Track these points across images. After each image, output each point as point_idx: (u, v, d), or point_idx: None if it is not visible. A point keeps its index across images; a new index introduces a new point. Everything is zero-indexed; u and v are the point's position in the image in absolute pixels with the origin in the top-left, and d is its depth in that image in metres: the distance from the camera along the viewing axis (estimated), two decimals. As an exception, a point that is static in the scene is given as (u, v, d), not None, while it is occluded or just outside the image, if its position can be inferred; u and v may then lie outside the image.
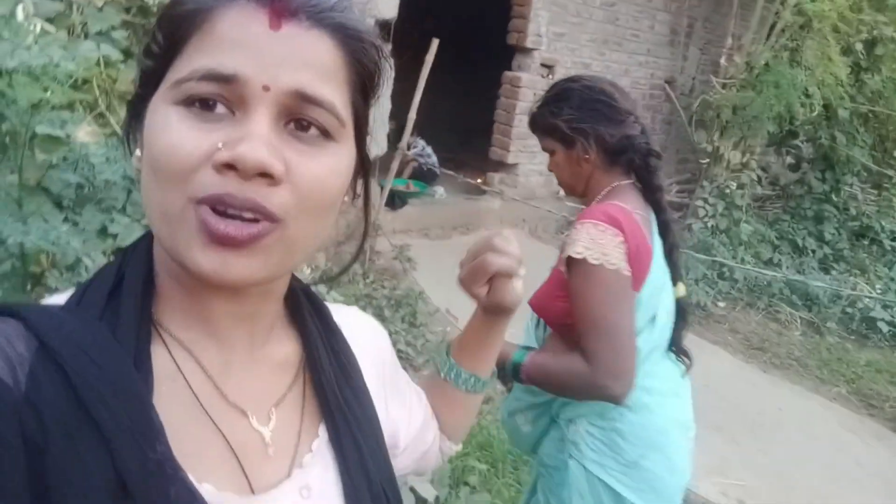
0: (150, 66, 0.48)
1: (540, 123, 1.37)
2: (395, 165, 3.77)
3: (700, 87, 6.18)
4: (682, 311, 1.30)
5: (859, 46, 5.45)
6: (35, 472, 0.40)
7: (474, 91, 6.32)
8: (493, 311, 0.74)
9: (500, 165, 5.30)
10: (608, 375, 1.14)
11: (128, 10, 1.66)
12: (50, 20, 1.59)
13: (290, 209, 0.46)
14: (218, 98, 0.45)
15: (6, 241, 1.28)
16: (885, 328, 4.89)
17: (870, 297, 4.98)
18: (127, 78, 1.59)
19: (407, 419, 0.72)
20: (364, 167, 0.56)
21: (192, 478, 0.46)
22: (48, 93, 1.32)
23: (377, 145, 4.18)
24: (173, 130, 0.44)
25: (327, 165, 0.48)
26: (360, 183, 0.57)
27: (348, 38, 0.49)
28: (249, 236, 0.44)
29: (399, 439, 0.71)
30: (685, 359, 1.31)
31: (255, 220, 0.45)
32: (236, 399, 0.52)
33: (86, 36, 1.59)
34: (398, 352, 3.39)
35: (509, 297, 0.71)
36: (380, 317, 3.59)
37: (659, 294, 1.24)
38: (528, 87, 5.14)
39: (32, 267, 1.33)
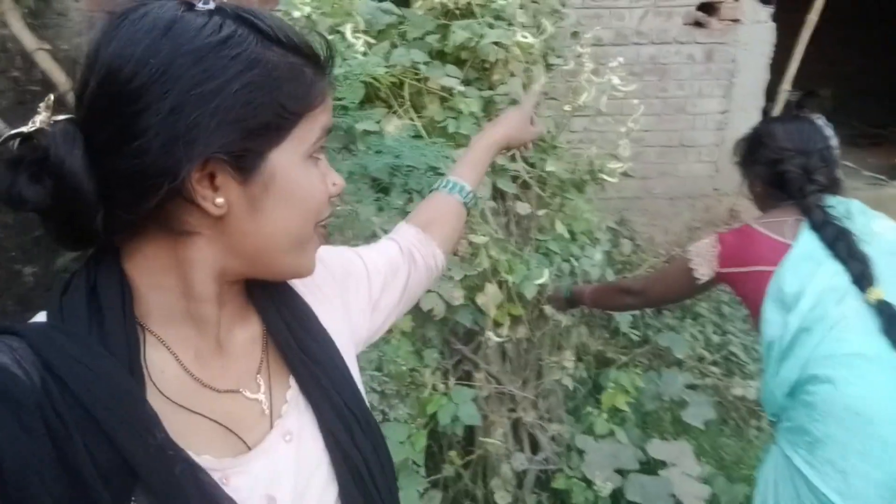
0: (272, 124, 0.56)
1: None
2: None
3: None
4: (884, 316, 1.34)
5: None
6: (65, 455, 0.49)
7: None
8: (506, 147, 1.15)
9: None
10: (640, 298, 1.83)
11: (443, 13, 1.86)
12: (382, 31, 1.90)
13: None
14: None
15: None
16: None
17: None
18: (433, 77, 1.80)
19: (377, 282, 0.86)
20: None
21: (191, 453, 0.56)
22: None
23: (746, 122, 3.74)
24: (314, 178, 0.61)
25: None
26: None
27: None
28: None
29: (377, 303, 0.85)
30: None
31: None
32: (225, 379, 0.62)
33: (405, 42, 1.85)
34: (730, 355, 3.06)
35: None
36: (717, 312, 3.27)
37: (805, 280, 1.41)
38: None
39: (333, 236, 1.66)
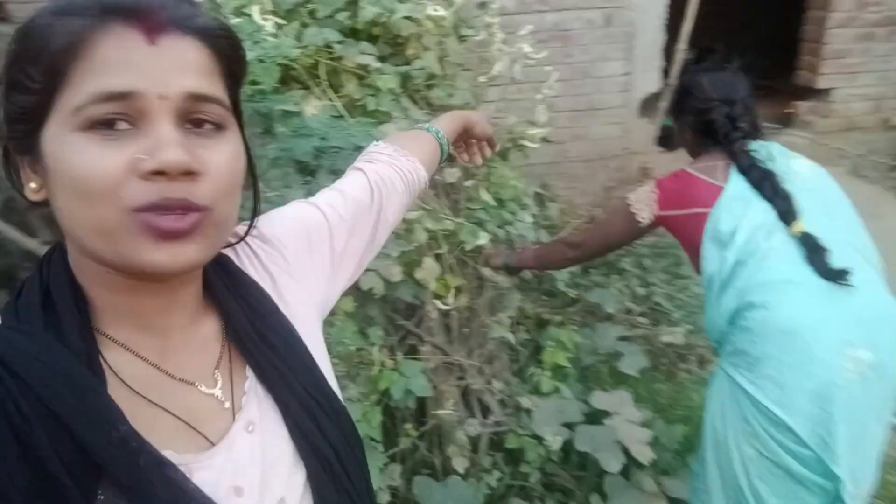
0: (29, 101, 0.52)
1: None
2: (663, 104, 3.48)
3: None
4: (807, 246, 1.47)
5: None
6: (28, 449, 0.49)
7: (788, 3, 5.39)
8: (470, 126, 1.22)
9: (810, 92, 4.48)
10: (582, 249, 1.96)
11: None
12: (291, 11, 1.86)
13: (213, 197, 0.54)
14: (118, 116, 0.50)
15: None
16: None
17: None
18: (348, 56, 1.78)
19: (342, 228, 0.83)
20: (245, 142, 0.62)
21: (155, 447, 0.55)
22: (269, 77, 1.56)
23: (647, 82, 3.89)
24: (88, 154, 0.49)
25: (228, 152, 0.56)
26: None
27: (213, 38, 0.55)
28: (192, 225, 0.52)
29: (342, 255, 0.82)
30: (839, 281, 1.43)
31: (189, 212, 0.52)
32: (182, 375, 0.61)
33: (315, 21, 1.81)
34: (655, 305, 3.22)
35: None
36: (639, 266, 3.43)
37: (737, 218, 1.54)
38: (849, -10, 4.18)
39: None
